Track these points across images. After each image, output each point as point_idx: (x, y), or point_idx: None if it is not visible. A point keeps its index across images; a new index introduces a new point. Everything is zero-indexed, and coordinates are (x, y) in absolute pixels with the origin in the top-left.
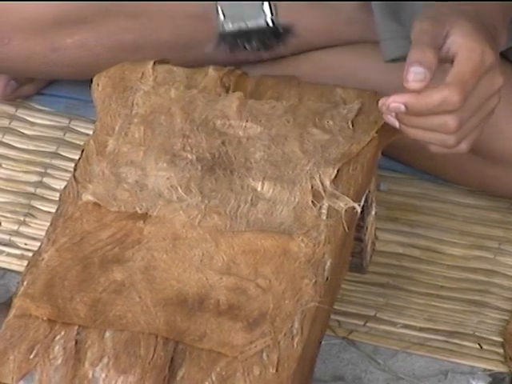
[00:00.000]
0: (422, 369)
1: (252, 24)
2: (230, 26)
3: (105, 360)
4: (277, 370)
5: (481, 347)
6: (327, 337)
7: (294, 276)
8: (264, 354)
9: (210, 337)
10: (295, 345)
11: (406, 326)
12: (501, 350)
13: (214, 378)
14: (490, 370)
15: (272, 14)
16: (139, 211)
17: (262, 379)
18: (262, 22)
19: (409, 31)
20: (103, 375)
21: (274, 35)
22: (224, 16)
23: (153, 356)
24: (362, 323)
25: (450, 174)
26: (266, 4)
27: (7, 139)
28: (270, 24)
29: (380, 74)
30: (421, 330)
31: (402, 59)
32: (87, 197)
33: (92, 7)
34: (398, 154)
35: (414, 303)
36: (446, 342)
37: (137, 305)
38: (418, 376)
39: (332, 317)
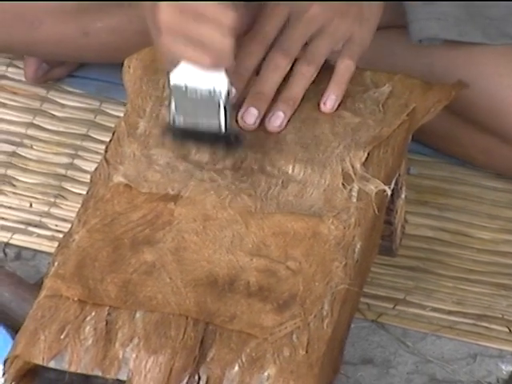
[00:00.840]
0: (450, 352)
1: (203, 125)
2: (180, 121)
3: (135, 341)
4: (307, 352)
5: (510, 330)
6: (356, 320)
7: (324, 258)
8: (294, 336)
9: (240, 318)
10: (325, 327)
11: (435, 309)
12: None
13: (243, 359)
14: None
15: (226, 119)
16: (171, 192)
17: (292, 360)
18: (214, 126)
19: (439, 14)
20: (134, 355)
21: (224, 142)
22: (177, 110)
23: (183, 337)
24: (391, 306)
25: (479, 159)
26: (222, 113)
27: (38, 121)
28: (223, 129)
29: (407, 56)
30: (450, 313)
31: (429, 40)
32: (118, 178)
33: None
34: (427, 140)
35: (444, 286)
36: (475, 325)
37: (167, 286)
38: (447, 359)
39: (361, 300)
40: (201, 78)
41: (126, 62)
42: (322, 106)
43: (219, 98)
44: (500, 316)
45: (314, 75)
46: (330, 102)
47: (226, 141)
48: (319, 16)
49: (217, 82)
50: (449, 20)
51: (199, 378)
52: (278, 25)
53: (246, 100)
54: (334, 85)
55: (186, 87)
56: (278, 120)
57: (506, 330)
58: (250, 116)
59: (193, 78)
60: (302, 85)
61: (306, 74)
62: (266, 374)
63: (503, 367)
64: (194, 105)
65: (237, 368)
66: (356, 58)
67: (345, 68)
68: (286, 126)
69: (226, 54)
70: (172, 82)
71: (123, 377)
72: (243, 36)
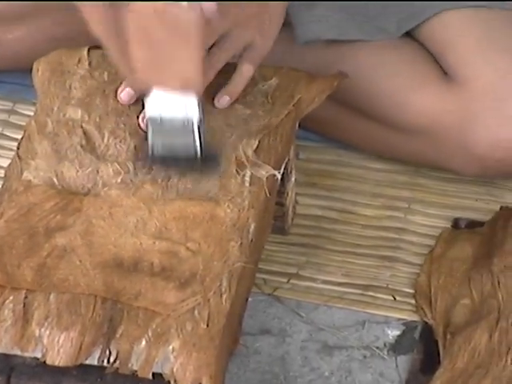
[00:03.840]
0: (341, 320)
1: (180, 151)
2: (159, 152)
3: (49, 319)
4: (207, 325)
5: (394, 299)
6: (254, 294)
7: (221, 239)
8: (195, 311)
9: (145, 296)
10: (224, 302)
11: (325, 282)
12: (413, 301)
13: (150, 334)
14: (403, 319)
15: (201, 147)
16: (81, 191)
17: (194, 334)
18: (190, 154)
19: (319, 16)
20: (47, 333)
21: (201, 165)
22: (154, 142)
23: (92, 314)
24: (285, 280)
25: (361, 143)
26: (196, 139)
27: None
28: (199, 154)
29: (294, 54)
30: (339, 284)
31: (313, 41)
32: (28, 176)
33: (30, 5)
34: (313, 127)
35: (333, 260)
36: (362, 294)
37: (77, 268)
38: (338, 327)
39: (258, 275)
40: (174, 107)
41: (34, 65)
42: (216, 102)
43: (192, 125)
44: (385, 285)
45: (212, 78)
46: (223, 101)
47: (204, 164)
48: (218, 28)
49: (189, 109)
50: (329, 21)
51: (110, 353)
52: None
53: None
54: (230, 86)
55: (161, 118)
56: None
57: (391, 298)
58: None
59: (166, 107)
60: None
61: None
62: (170, 347)
63: (389, 332)
64: (170, 133)
65: (144, 343)
66: (256, 63)
67: (244, 71)
68: None
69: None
70: (147, 115)
71: (39, 354)
72: None
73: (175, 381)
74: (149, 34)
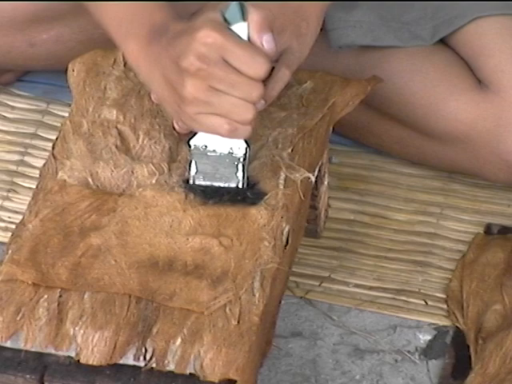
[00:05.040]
0: (372, 324)
1: (222, 183)
2: (200, 181)
3: (84, 318)
4: (238, 322)
5: (426, 303)
6: (286, 296)
7: (254, 238)
8: (227, 308)
9: (179, 295)
10: (257, 301)
11: (357, 286)
12: (444, 306)
13: (185, 332)
14: (434, 324)
15: (244, 179)
16: (116, 191)
17: (225, 330)
18: (233, 185)
19: (354, 22)
20: (81, 332)
21: (242, 198)
22: (197, 171)
23: (126, 314)
24: (317, 284)
25: (394, 149)
26: (240, 171)
27: None
28: (241, 185)
29: (328, 59)
30: (371, 288)
31: (347, 46)
32: (63, 176)
33: (65, 5)
34: (347, 132)
35: (365, 264)
36: (394, 299)
37: (112, 268)
38: (369, 330)
39: (290, 278)
40: (220, 140)
41: (70, 66)
42: None
43: (238, 159)
44: (417, 290)
45: None
46: (259, 104)
47: (245, 195)
48: None
49: (235, 144)
50: (363, 27)
51: (146, 351)
52: None
53: None
54: (267, 90)
55: (206, 148)
56: None
57: (423, 302)
58: None
59: (212, 139)
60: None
61: None
62: (203, 342)
63: (421, 337)
64: (213, 164)
65: (180, 340)
66: (293, 68)
67: (280, 75)
68: None
69: (247, 128)
70: (192, 143)
71: (72, 353)
72: None
73: (204, 376)
74: None
